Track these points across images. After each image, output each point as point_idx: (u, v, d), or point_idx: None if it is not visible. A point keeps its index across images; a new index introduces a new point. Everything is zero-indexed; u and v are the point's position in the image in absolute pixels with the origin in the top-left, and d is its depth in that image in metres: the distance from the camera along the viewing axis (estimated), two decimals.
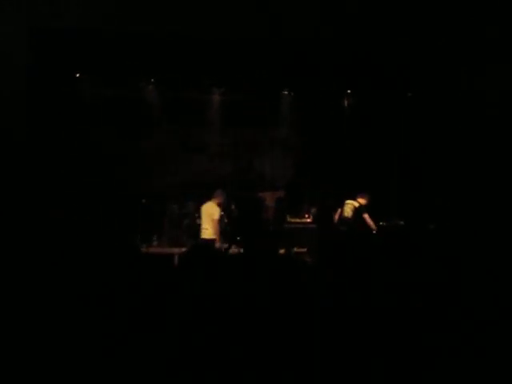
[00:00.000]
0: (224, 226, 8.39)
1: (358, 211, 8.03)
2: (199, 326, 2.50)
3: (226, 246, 8.41)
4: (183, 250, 7.03)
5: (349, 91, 9.93)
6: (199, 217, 8.17)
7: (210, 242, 7.39)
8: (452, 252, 6.07)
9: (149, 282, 3.30)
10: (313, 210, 9.56)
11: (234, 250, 8.49)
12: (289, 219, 9.50)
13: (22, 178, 7.18)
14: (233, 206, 9.17)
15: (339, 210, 8.30)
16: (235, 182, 9.64)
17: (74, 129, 8.69)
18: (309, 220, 9.56)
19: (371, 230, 7.97)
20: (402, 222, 9.07)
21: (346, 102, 10.10)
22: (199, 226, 8.00)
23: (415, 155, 9.45)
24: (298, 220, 9.55)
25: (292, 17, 7.27)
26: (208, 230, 7.56)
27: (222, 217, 7.92)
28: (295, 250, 8.69)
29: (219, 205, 7.64)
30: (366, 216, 7.98)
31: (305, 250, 8.66)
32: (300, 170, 10.11)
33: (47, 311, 2.73)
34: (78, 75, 8.89)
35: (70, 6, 6.91)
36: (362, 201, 8.10)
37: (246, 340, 2.47)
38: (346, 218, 8.08)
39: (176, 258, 6.08)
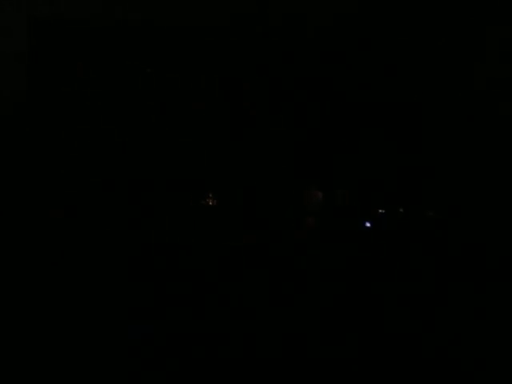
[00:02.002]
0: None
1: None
2: None
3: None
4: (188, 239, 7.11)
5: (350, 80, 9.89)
6: (198, 208, 8.10)
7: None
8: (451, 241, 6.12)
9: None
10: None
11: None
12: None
13: (22, 178, 7.17)
14: (239, 197, 9.19)
15: (331, 199, 8.23)
16: (236, 174, 9.61)
17: (75, 126, 8.64)
18: None
19: None
20: (401, 210, 9.11)
21: (344, 90, 10.06)
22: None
23: (415, 141, 9.46)
24: None
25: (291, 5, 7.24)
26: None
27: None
28: None
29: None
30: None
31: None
32: (300, 161, 10.09)
33: (48, 311, 2.75)
34: (77, 66, 8.83)
35: None
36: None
37: None
38: (347, 206, 8.12)
39: None
